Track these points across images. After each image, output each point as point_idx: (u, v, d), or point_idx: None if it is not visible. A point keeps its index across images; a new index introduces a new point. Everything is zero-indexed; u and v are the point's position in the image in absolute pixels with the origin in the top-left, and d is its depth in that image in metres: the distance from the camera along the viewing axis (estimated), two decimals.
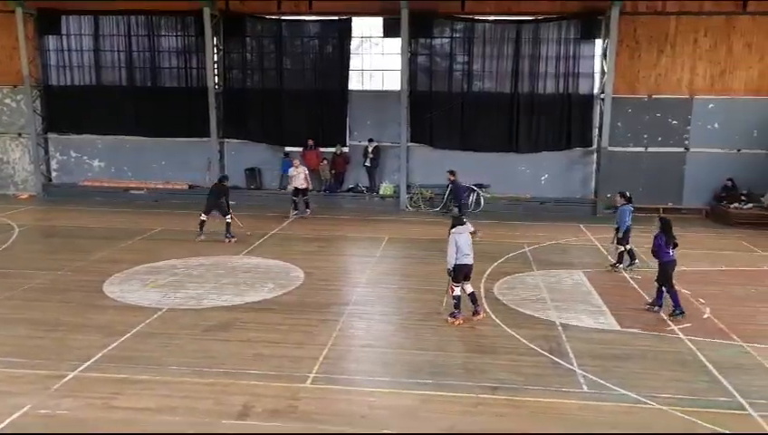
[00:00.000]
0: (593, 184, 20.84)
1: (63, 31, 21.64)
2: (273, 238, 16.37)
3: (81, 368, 8.46)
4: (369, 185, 21.57)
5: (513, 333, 9.94)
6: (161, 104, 21.48)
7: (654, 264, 11.22)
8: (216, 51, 21.10)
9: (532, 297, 11.76)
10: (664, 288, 10.84)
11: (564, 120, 20.59)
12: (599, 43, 20.16)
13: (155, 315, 10.53)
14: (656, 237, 10.83)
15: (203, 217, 15.76)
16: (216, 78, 21.23)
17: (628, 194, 13.77)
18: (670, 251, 10.73)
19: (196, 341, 9.52)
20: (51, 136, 22.50)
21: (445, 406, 7.61)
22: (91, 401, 7.61)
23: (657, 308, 10.93)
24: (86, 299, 11.30)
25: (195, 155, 21.78)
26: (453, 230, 10.28)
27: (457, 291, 10.34)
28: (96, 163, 22.58)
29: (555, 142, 20.75)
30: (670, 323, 10.44)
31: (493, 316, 10.68)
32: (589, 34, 20.12)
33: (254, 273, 13.16)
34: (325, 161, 21.08)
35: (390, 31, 20.62)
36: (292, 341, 9.58)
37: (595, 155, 20.68)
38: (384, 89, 21.24)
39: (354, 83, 21.33)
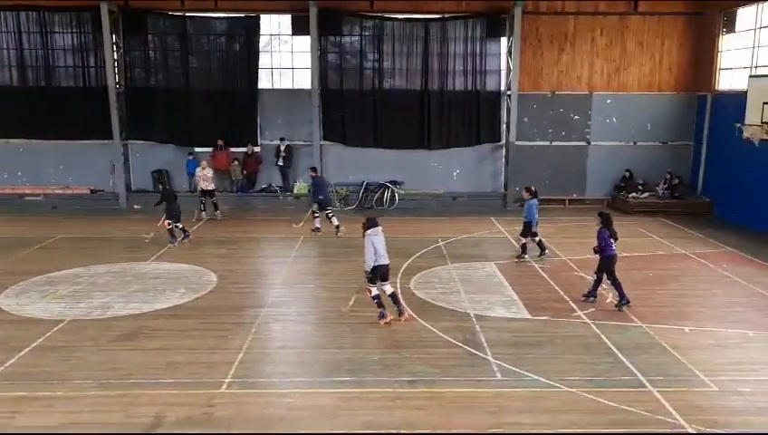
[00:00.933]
0: (503, 178, 21.49)
1: None
2: (184, 242, 15.84)
3: None
4: (282, 185, 21.29)
5: (430, 326, 10.10)
6: (58, 105, 20.28)
7: (563, 254, 11.72)
8: (115, 49, 20.16)
9: (446, 290, 11.99)
10: (609, 280, 11.11)
11: (474, 117, 21.10)
12: (504, 41, 20.79)
13: (56, 328, 9.96)
14: (600, 232, 11.12)
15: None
16: (117, 77, 20.29)
17: (533, 188, 14.26)
18: (613, 245, 11.09)
19: (102, 352, 9.08)
20: None
21: (363, 403, 7.63)
22: None
23: (592, 299, 11.28)
24: None
25: (97, 158, 20.75)
26: (368, 232, 10.15)
27: (374, 291, 10.32)
28: None
29: (465, 138, 21.23)
30: (576, 308, 10.93)
31: (409, 310, 10.79)
32: (494, 33, 20.70)
33: (163, 278, 12.70)
34: (236, 162, 20.63)
35: (299, 28, 20.40)
36: (205, 346, 9.32)
37: (504, 150, 21.34)
38: (295, 87, 21.01)
39: (264, 82, 20.97)
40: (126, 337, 9.62)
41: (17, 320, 10.33)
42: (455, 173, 21.50)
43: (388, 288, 10.49)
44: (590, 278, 12.35)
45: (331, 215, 16.67)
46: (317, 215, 16.63)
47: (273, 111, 21.04)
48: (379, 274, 10.22)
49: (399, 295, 10.79)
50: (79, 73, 20.46)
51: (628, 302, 10.96)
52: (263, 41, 20.71)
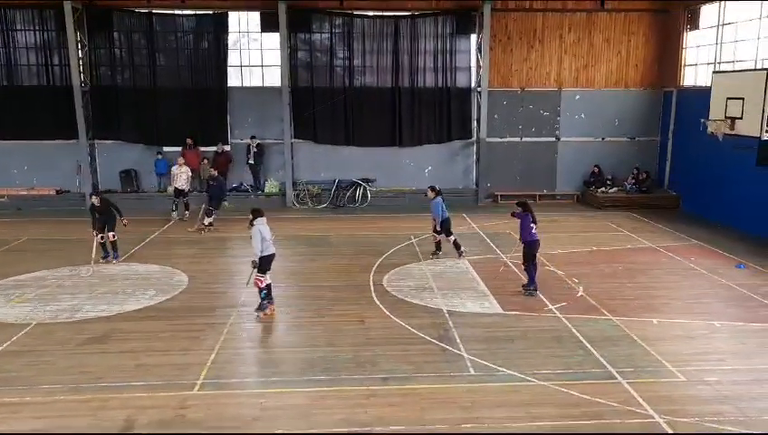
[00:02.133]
0: (474, 174, 21.62)
1: None
2: (154, 242, 15.64)
3: None
4: (253, 183, 21.12)
5: (403, 323, 10.13)
6: (21, 104, 19.79)
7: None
8: (80, 47, 19.76)
9: (420, 287, 12.02)
10: (524, 265, 11.53)
11: (444, 114, 21.17)
12: (474, 38, 20.90)
13: (22, 332, 9.75)
14: (522, 219, 11.45)
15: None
16: (83, 76, 19.89)
17: (437, 187, 14.24)
18: (534, 230, 11.39)
19: (71, 356, 8.92)
20: None
21: (337, 401, 7.62)
22: None
23: (532, 288, 11.51)
24: None
25: (63, 158, 20.31)
26: (255, 222, 10.36)
27: (267, 280, 10.45)
28: None
29: (437, 135, 21.29)
30: (548, 302, 11.05)
31: (382, 308, 10.82)
32: (464, 30, 20.80)
33: (133, 280, 12.50)
34: (206, 161, 20.38)
35: (269, 26, 20.23)
36: (177, 348, 9.22)
37: (475, 146, 21.47)
38: (265, 85, 20.84)
39: (234, 80, 20.74)
40: (95, 340, 9.46)
41: None
42: (426, 170, 21.56)
43: (267, 278, 10.57)
44: (560, 272, 12.52)
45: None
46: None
47: (244, 110, 20.84)
48: (269, 263, 10.41)
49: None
50: (42, 72, 19.98)
51: (536, 290, 11.36)
52: (231, 38, 20.49)
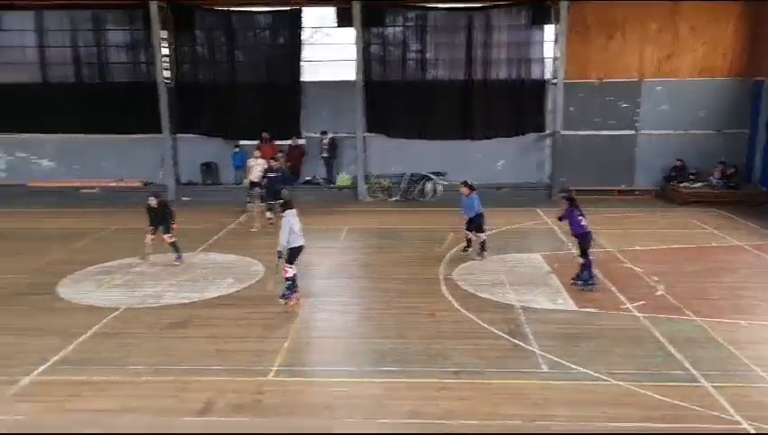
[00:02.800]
0: (548, 168, 21.18)
1: (3, 27, 20.78)
2: (232, 233, 16.18)
3: (36, 372, 8.26)
4: (326, 176, 21.47)
5: (474, 317, 10.07)
6: (111, 101, 20.88)
7: (611, 246, 11.51)
8: (165, 44, 20.62)
9: (491, 282, 11.91)
10: (582, 259, 11.20)
11: (518, 106, 20.83)
12: (549, 28, 20.42)
13: (112, 315, 10.31)
14: (571, 214, 11.19)
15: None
16: (167, 72, 20.76)
17: (469, 182, 13.86)
18: (583, 222, 11.10)
19: (156, 339, 9.37)
20: None
21: (408, 392, 7.68)
22: (49, 405, 7.45)
23: (591, 283, 11.22)
24: (40, 302, 10.99)
25: (148, 152, 21.29)
26: (286, 213, 10.61)
27: (291, 272, 10.56)
28: (45, 163, 21.88)
29: (509, 128, 20.97)
30: (625, 300, 10.72)
31: (453, 302, 10.80)
32: (539, 20, 20.34)
33: (212, 268, 12.99)
34: (280, 154, 20.85)
35: (343, 20, 20.48)
36: (253, 335, 9.52)
37: (549, 140, 21.01)
38: (338, 79, 21.12)
39: (308, 74, 21.14)
40: (178, 325, 9.90)
41: (76, 308, 10.74)
42: (498, 164, 21.30)
43: (292, 270, 10.69)
44: (638, 269, 12.12)
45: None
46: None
47: (317, 104, 21.19)
48: (297, 254, 10.58)
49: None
50: (131, 70, 21.01)
51: (594, 284, 11.13)
52: (306, 33, 20.87)
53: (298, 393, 7.74)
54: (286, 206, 10.80)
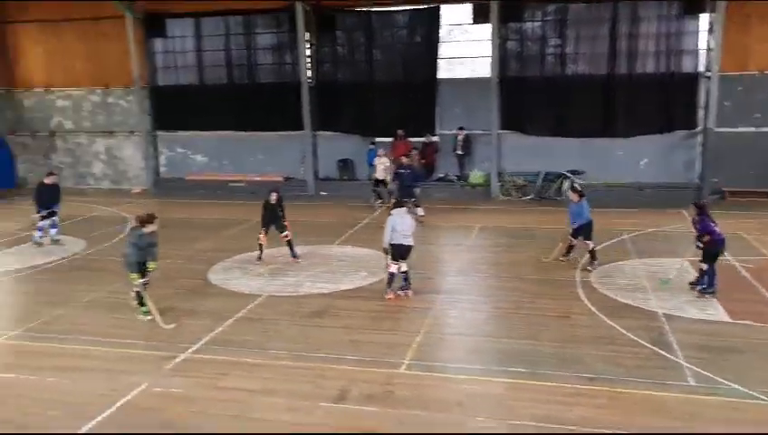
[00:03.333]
0: (698, 168, 19.71)
1: (169, 33, 22.84)
2: (366, 228, 16.64)
3: (190, 350, 9.03)
4: (459, 174, 21.45)
5: (612, 322, 9.66)
6: (258, 100, 22.25)
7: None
8: (308, 46, 21.60)
9: (631, 286, 11.34)
10: (705, 265, 10.57)
11: (665, 102, 19.57)
12: (704, 18, 18.96)
13: (255, 302, 11.03)
14: (702, 223, 10.57)
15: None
16: (309, 72, 21.74)
17: (578, 187, 13.13)
18: (717, 229, 10.51)
19: (295, 326, 9.90)
20: (159, 134, 23.84)
21: (540, 395, 7.53)
22: (201, 381, 8.11)
23: (711, 291, 10.58)
24: (194, 286, 12.00)
25: (289, 148, 22.43)
26: (393, 212, 10.86)
27: (392, 268, 10.77)
28: (199, 158, 23.77)
29: (655, 125, 19.75)
30: None
31: (589, 305, 10.42)
32: (692, 10, 18.95)
33: (347, 261, 13.46)
34: (414, 151, 21.13)
35: (480, 17, 20.33)
36: (385, 327, 9.77)
37: (700, 137, 19.55)
38: (473, 76, 21.00)
39: (443, 71, 21.21)
40: (315, 314, 10.39)
41: (224, 293, 11.61)
42: (642, 162, 20.15)
43: (404, 266, 10.91)
44: None
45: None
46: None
47: (452, 101, 21.22)
48: (398, 252, 10.71)
49: (410, 275, 11.09)
50: (276, 70, 22.26)
51: (713, 294, 10.49)
52: (443, 31, 20.95)
53: (429, 388, 7.84)
54: (396, 205, 11.10)
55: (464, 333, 9.68)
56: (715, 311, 10.05)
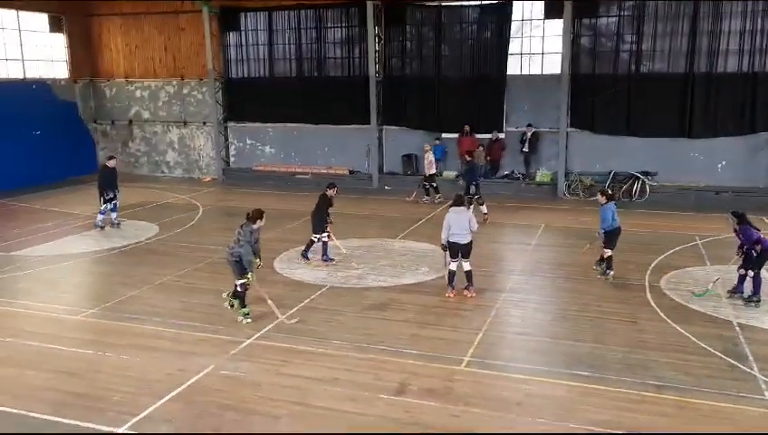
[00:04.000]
0: None
1: (242, 27, 23.44)
2: (428, 223, 16.62)
3: (255, 336, 9.29)
4: (525, 172, 21.12)
5: (681, 330, 9.34)
6: (326, 93, 22.55)
7: None
8: (377, 40, 21.72)
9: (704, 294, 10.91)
10: (753, 272, 10.26)
11: (749, 102, 18.66)
12: None
13: (319, 292, 11.23)
14: (744, 232, 10.33)
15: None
16: (377, 66, 21.86)
17: (610, 191, 12.58)
18: (763, 236, 10.25)
19: (357, 318, 10.03)
20: (230, 125, 24.55)
21: (603, 400, 7.38)
22: (264, 367, 8.34)
23: (756, 299, 10.28)
24: (260, 274, 12.21)
25: (355, 141, 22.64)
26: (451, 209, 10.78)
27: (453, 266, 10.75)
28: (268, 149, 24.31)
29: (737, 126, 18.88)
30: None
31: (658, 311, 10.11)
32: None
33: (410, 256, 13.51)
34: (481, 148, 20.94)
35: (552, 12, 19.90)
36: (446, 323, 9.76)
37: None
38: (543, 73, 20.61)
39: (512, 68, 20.90)
40: (376, 307, 10.49)
41: (289, 282, 11.87)
42: (719, 165, 19.29)
43: (466, 265, 10.76)
44: None
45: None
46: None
47: (520, 97, 20.90)
48: (454, 250, 10.64)
49: (473, 276, 10.89)
50: (345, 64, 22.50)
51: (760, 300, 10.21)
52: (514, 27, 20.63)
53: (489, 386, 7.81)
54: (454, 201, 10.95)
55: (526, 332, 9.56)
56: None
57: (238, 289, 9.89)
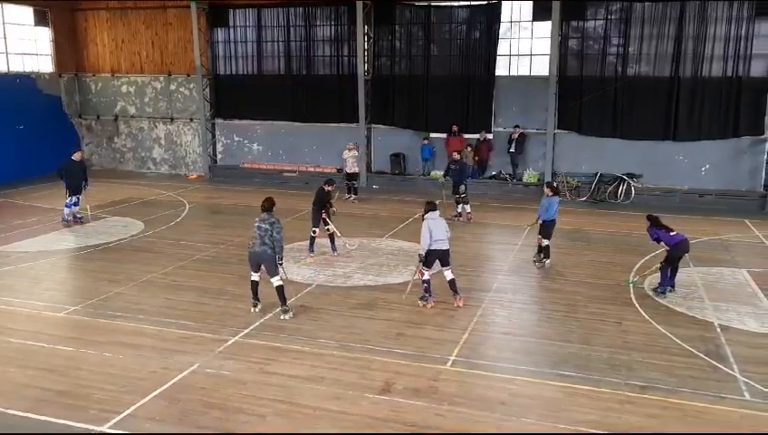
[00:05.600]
0: (763, 176, 18.94)
1: (231, 23, 23.30)
2: (416, 222, 16.56)
3: (241, 334, 9.25)
4: (512, 172, 21.20)
5: (665, 331, 9.42)
6: (315, 91, 22.52)
7: None
8: (366, 39, 21.68)
9: (687, 295, 11.02)
10: (661, 265, 11.03)
11: (732, 106, 18.86)
12: None
13: (305, 291, 11.20)
14: (658, 233, 10.96)
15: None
16: (366, 65, 21.82)
17: (555, 184, 13.63)
18: (672, 232, 10.90)
19: (343, 317, 10.01)
20: (217, 121, 24.40)
21: (589, 401, 7.42)
22: (250, 365, 8.30)
23: (664, 288, 10.93)
24: (246, 271, 12.18)
25: (343, 140, 22.48)
26: (426, 216, 10.22)
27: (427, 275, 10.32)
28: (255, 147, 24.19)
29: (720, 130, 19.07)
30: None
31: (642, 312, 10.19)
32: (765, 11, 18.17)
33: (396, 255, 13.50)
34: (469, 148, 20.98)
35: (541, 14, 20.00)
36: (432, 323, 9.77)
37: (767, 144, 18.78)
38: (531, 74, 20.70)
39: (501, 69, 20.97)
40: (363, 306, 10.48)
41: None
42: (703, 168, 19.48)
43: (448, 274, 10.39)
44: None
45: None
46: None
47: (508, 98, 20.97)
48: (434, 258, 10.21)
49: (456, 282, 10.49)
50: (334, 62, 22.45)
51: (672, 288, 10.93)
52: (502, 28, 20.69)
53: (474, 386, 7.82)
54: (428, 207, 10.34)
55: (512, 332, 9.59)
56: None
57: (281, 283, 9.79)
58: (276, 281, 9.81)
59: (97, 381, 7.85)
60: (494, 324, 9.86)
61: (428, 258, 10.27)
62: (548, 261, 12.67)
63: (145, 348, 8.80)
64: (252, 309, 10.10)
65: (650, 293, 11.03)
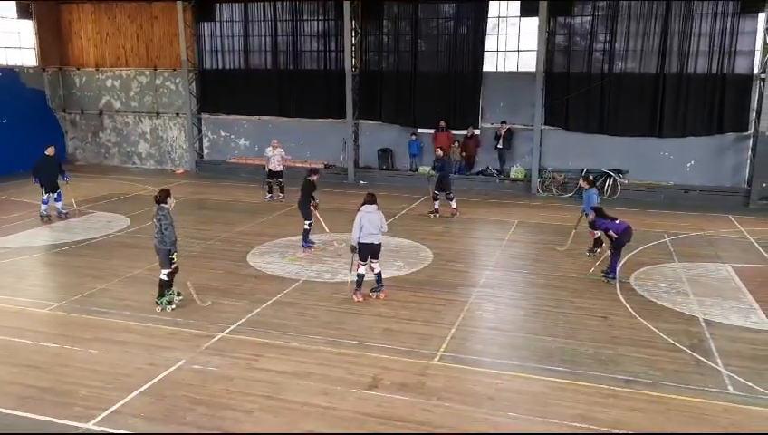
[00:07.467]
0: (747, 172, 19.14)
1: (217, 18, 23.10)
2: (404, 218, 16.65)
3: (227, 330, 9.21)
4: (499, 168, 21.26)
5: (650, 325, 9.50)
6: (302, 86, 22.42)
7: None
8: (353, 34, 21.62)
9: (672, 290, 11.12)
10: (610, 250, 11.62)
11: (716, 103, 19.02)
12: (762, 17, 18.33)
13: (292, 286, 11.17)
14: (604, 223, 11.61)
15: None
16: (353, 60, 21.76)
17: (592, 177, 14.26)
18: (617, 221, 11.54)
19: (330, 312, 9.99)
20: (204, 116, 24.22)
21: (575, 395, 7.46)
22: (237, 361, 8.26)
23: (611, 276, 11.44)
24: (232, 267, 12.21)
25: (331, 135, 22.54)
26: (362, 208, 10.28)
27: (361, 269, 10.41)
28: (242, 142, 24.05)
29: (705, 126, 19.23)
30: None
31: (628, 307, 10.26)
32: (750, 8, 18.32)
33: (384, 251, 13.41)
34: (456, 143, 21.02)
35: (528, 10, 20.04)
36: (420, 318, 9.78)
37: (750, 140, 18.97)
38: (519, 70, 20.75)
39: (488, 65, 21.00)
40: (350, 301, 10.45)
41: (262, 276, 11.77)
42: (688, 164, 19.64)
43: (376, 267, 10.50)
44: None
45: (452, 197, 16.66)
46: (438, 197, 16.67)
47: (496, 94, 21.01)
48: (366, 252, 10.30)
49: (382, 275, 10.70)
50: (321, 57, 22.34)
51: (615, 278, 11.37)
52: (490, 24, 20.70)
53: (461, 380, 7.84)
54: (366, 199, 10.36)
55: (499, 328, 9.63)
56: (758, 320, 9.79)
57: (166, 278, 9.87)
58: (162, 275, 9.85)
59: (82, 378, 7.78)
60: (480, 320, 9.89)
61: (361, 252, 10.39)
62: (598, 250, 13.08)
63: (131, 344, 8.74)
64: (173, 301, 10.04)
65: (606, 280, 11.49)
